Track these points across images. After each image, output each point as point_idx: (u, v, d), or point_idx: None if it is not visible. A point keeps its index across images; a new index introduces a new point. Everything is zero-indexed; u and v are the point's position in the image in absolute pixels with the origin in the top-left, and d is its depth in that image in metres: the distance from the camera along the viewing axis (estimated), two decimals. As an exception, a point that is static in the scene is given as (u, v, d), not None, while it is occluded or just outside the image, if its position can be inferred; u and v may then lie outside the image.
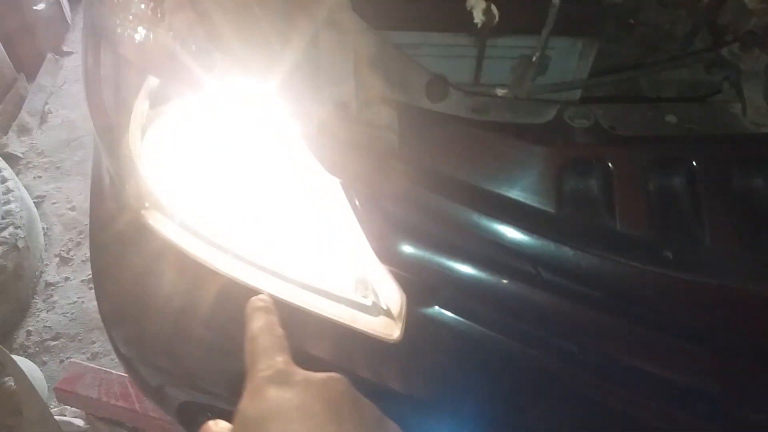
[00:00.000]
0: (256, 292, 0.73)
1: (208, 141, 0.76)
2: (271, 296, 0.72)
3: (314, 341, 0.74)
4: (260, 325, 0.57)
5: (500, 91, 0.66)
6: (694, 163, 0.57)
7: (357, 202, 0.64)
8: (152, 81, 0.77)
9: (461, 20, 0.68)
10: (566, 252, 0.58)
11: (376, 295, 0.68)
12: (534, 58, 0.64)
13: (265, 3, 0.69)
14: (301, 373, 0.52)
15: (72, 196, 2.13)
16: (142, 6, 0.76)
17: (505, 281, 0.61)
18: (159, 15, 0.74)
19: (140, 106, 0.78)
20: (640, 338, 0.59)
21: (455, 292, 0.65)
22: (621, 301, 0.59)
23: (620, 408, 0.63)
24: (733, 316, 0.56)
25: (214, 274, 0.76)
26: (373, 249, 0.64)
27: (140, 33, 0.74)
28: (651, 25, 0.73)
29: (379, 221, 0.63)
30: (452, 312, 0.65)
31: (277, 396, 0.49)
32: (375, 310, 0.68)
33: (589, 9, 0.66)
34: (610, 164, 0.58)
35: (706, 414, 0.62)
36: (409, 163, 0.62)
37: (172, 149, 0.79)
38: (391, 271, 0.65)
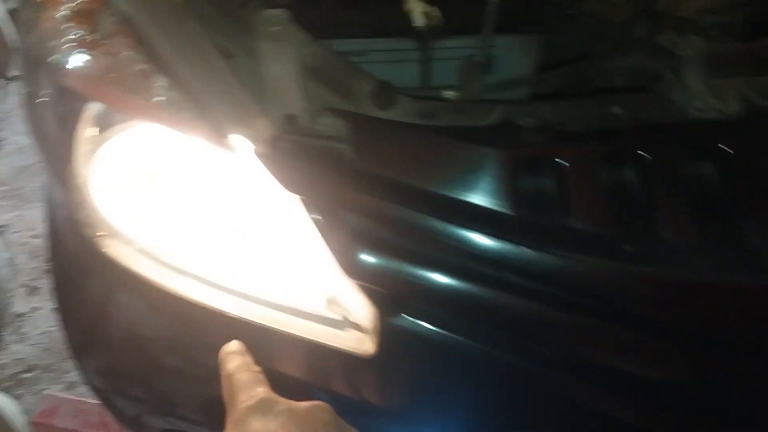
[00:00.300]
0: (222, 314, 0.72)
1: (160, 163, 0.74)
2: (241, 319, 0.71)
3: (288, 361, 0.74)
4: (236, 364, 0.57)
5: (448, 94, 0.65)
6: (643, 154, 0.58)
7: (318, 217, 0.63)
8: (95, 106, 0.75)
9: (405, 24, 0.68)
10: (527, 253, 0.58)
11: (347, 311, 0.67)
12: (478, 59, 0.63)
13: (203, 19, 0.67)
14: (284, 402, 0.52)
15: (34, 224, 2.07)
16: (80, 32, 0.73)
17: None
18: (97, 40, 0.72)
19: (85, 133, 0.76)
20: (609, 335, 0.60)
21: (425, 300, 0.64)
22: (585, 298, 0.59)
23: (598, 407, 0.64)
24: (697, 307, 0.57)
25: (179, 299, 0.74)
26: (339, 264, 0.63)
27: (79, 59, 0.72)
28: (592, 14, 0.73)
29: (343, 235, 0.63)
30: (424, 321, 0.65)
31: (260, 426, 0.49)
32: (346, 325, 0.68)
33: (529, 4, 0.65)
34: (561, 162, 0.58)
35: (679, 405, 0.63)
36: (364, 173, 0.61)
37: (122, 173, 0.77)
38: (360, 285, 0.64)
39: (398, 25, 0.68)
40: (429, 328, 0.64)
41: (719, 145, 0.57)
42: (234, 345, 0.61)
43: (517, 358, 0.62)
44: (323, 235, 0.61)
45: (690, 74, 0.61)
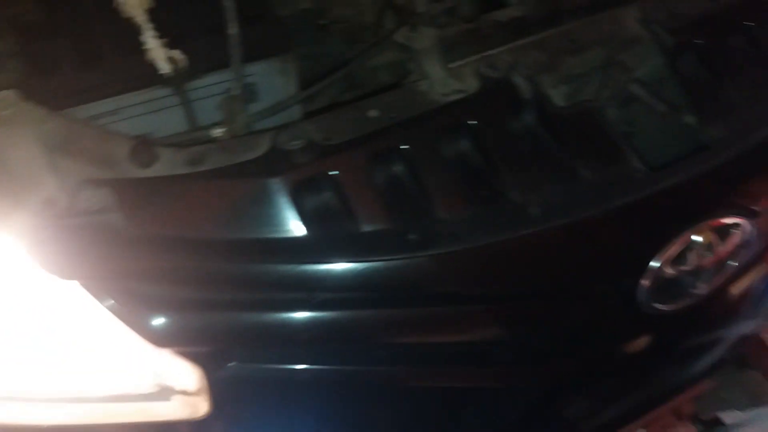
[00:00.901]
0: (44, 428, 0.65)
1: None
2: (65, 425, 0.64)
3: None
4: None
5: (216, 132, 0.64)
6: (404, 147, 0.61)
7: (106, 298, 0.59)
8: None
9: (154, 72, 0.65)
10: (326, 270, 0.59)
11: (169, 379, 0.64)
12: (235, 91, 0.63)
13: None
14: None
15: None
16: None
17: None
18: None
19: None
20: (421, 319, 0.63)
21: (246, 343, 0.63)
22: (393, 293, 0.61)
23: (437, 385, 0.67)
24: (487, 271, 0.62)
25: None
26: (143, 337, 0.59)
27: None
28: (343, 20, 0.76)
29: (136, 307, 0.59)
30: (252, 362, 0.64)
31: None
32: (172, 394, 0.64)
33: (270, 26, 0.66)
34: (333, 174, 0.59)
35: (510, 358, 0.68)
36: (142, 238, 0.58)
37: None
38: (175, 351, 0.61)
39: (146, 74, 0.65)
40: (262, 367, 0.63)
41: (467, 121, 0.62)
42: None
43: (350, 365, 0.64)
44: (116, 314, 0.58)
45: (428, 64, 0.65)
